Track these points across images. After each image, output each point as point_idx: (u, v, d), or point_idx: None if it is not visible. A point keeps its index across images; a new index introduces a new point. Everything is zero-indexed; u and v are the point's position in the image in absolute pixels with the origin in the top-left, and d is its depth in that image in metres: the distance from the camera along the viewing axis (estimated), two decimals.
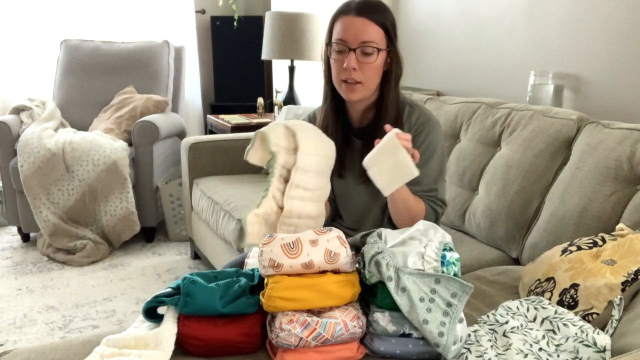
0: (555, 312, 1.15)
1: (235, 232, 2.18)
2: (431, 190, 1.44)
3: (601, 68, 1.92)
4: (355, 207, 1.54)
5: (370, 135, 1.46)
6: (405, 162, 1.19)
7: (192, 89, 4.24)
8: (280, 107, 3.27)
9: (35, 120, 3.12)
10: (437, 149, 1.46)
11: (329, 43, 1.43)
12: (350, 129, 1.52)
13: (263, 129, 1.23)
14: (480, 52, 2.42)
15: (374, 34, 1.37)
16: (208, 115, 3.72)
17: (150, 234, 3.18)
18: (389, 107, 1.45)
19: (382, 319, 1.08)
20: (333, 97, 1.49)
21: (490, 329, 1.16)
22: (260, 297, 1.07)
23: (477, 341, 1.12)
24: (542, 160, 1.72)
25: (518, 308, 1.20)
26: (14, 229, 3.32)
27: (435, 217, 1.46)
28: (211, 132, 3.66)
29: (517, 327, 1.15)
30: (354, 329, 1.06)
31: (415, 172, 1.19)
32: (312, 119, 1.58)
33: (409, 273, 1.06)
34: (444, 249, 1.11)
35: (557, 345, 1.11)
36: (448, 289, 1.06)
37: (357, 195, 1.52)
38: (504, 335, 1.14)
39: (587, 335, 1.09)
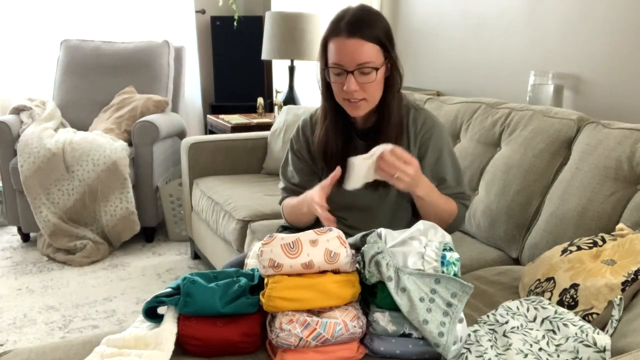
0: (555, 312, 1.15)
1: (235, 232, 2.19)
2: (458, 193, 1.51)
3: (601, 68, 1.92)
4: (360, 209, 1.53)
5: (373, 136, 1.47)
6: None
7: (192, 89, 4.24)
8: (280, 107, 3.27)
9: (35, 120, 3.12)
10: (449, 151, 1.51)
11: (324, 67, 1.41)
12: (353, 130, 1.52)
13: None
14: (480, 52, 2.42)
15: (370, 53, 1.34)
16: (208, 115, 3.72)
17: (150, 234, 3.18)
18: (391, 110, 1.45)
19: (382, 319, 1.08)
20: (333, 108, 1.48)
21: (490, 329, 1.16)
22: (260, 297, 1.07)
23: (477, 341, 1.12)
24: (542, 160, 1.72)
25: (518, 308, 1.20)
26: (14, 229, 3.32)
27: (465, 209, 1.55)
28: (211, 132, 3.66)
29: (517, 327, 1.15)
30: (354, 329, 1.06)
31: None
32: (313, 125, 1.58)
33: (409, 273, 1.06)
34: (444, 249, 1.11)
35: (557, 345, 1.11)
36: (448, 289, 1.06)
37: (361, 198, 1.52)
38: (504, 335, 1.14)
39: (587, 335, 1.09)
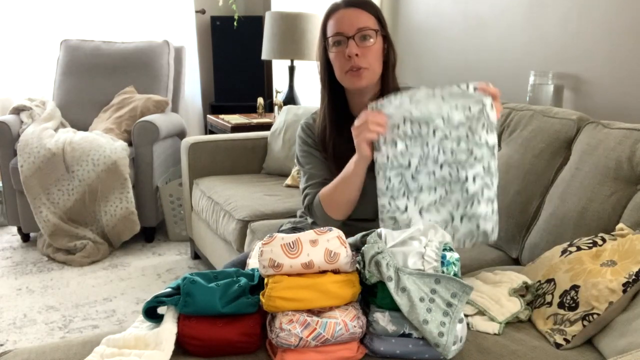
0: (444, 120, 1.26)
1: (235, 232, 2.19)
2: None
3: (601, 68, 1.92)
4: (370, 200, 1.53)
5: None
6: None
7: (192, 89, 4.24)
8: (280, 107, 3.27)
9: (35, 120, 3.12)
10: None
11: (324, 41, 1.47)
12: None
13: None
14: (480, 52, 2.42)
15: (368, 20, 1.43)
16: (208, 115, 3.71)
17: (150, 234, 3.18)
18: (390, 90, 1.48)
19: (382, 319, 1.08)
20: (333, 98, 1.51)
21: (398, 173, 1.31)
22: (260, 297, 1.07)
23: (392, 197, 1.32)
24: (542, 160, 1.72)
25: (412, 131, 1.29)
26: (14, 229, 3.32)
27: None
28: (211, 132, 3.66)
29: (419, 162, 1.29)
30: (354, 329, 1.06)
31: None
32: (312, 127, 1.58)
33: (409, 273, 1.06)
34: (444, 249, 1.11)
35: (452, 150, 1.27)
36: (448, 289, 1.06)
37: (370, 188, 1.52)
38: (412, 178, 1.30)
39: (479, 137, 1.25)
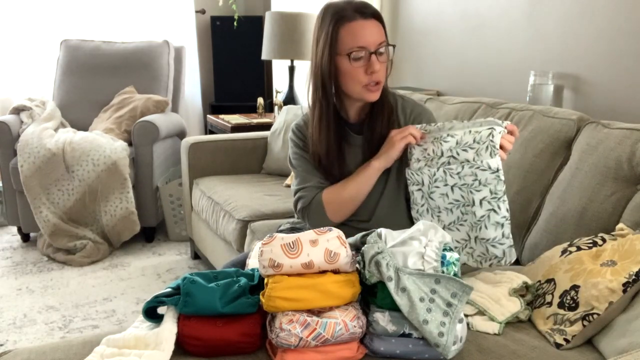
0: (457, 143, 1.29)
1: (235, 232, 2.19)
2: None
3: (601, 68, 1.92)
4: (365, 203, 1.52)
5: (369, 128, 1.49)
6: None
7: (192, 89, 4.24)
8: (280, 107, 3.27)
9: (35, 120, 3.12)
10: None
11: (330, 48, 1.39)
12: (347, 126, 1.52)
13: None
14: (480, 52, 2.42)
15: (382, 32, 1.42)
16: (208, 115, 3.72)
17: (150, 234, 3.18)
18: (385, 99, 1.48)
19: (382, 319, 1.08)
20: (333, 104, 1.48)
21: (418, 189, 1.38)
22: (260, 297, 1.07)
23: (419, 213, 1.40)
24: (542, 160, 1.72)
25: (425, 149, 1.36)
26: (14, 229, 3.32)
27: None
28: (211, 132, 3.66)
29: (430, 183, 1.35)
30: (354, 329, 1.06)
31: None
32: (303, 129, 1.57)
33: (409, 273, 1.06)
34: (444, 249, 1.11)
35: (458, 174, 1.30)
36: (448, 289, 1.06)
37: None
38: (430, 197, 1.37)
39: (481, 161, 1.27)
